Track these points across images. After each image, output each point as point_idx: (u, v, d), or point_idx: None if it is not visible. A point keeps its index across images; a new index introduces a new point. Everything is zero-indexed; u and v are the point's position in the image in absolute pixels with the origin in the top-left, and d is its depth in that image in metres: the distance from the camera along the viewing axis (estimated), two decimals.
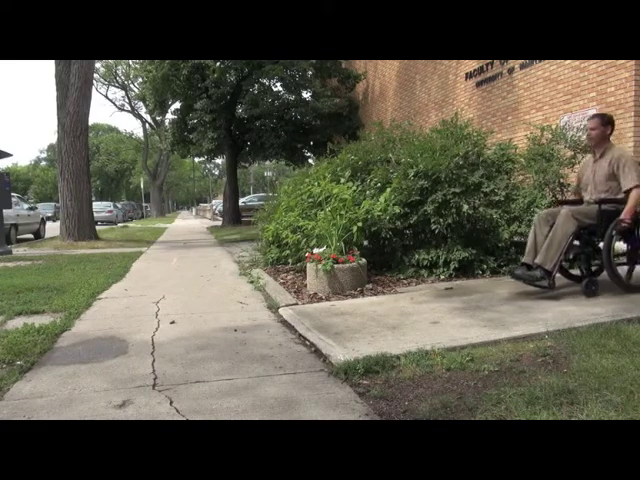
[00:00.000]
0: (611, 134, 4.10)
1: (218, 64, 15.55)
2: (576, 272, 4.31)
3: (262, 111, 15.74)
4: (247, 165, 27.57)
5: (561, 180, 5.56)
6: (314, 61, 15.40)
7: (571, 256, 4.11)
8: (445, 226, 4.96)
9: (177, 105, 18.41)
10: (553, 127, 5.86)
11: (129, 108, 45.19)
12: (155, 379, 2.58)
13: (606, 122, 4.05)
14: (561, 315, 3.33)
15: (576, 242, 3.94)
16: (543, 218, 4.05)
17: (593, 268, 4.11)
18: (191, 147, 18.80)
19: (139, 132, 64.64)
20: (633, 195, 3.82)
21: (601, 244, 3.85)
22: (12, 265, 7.22)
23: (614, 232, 3.80)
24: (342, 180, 5.63)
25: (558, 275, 4.18)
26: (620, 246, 4.02)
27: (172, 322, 3.77)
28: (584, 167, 4.32)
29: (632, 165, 3.92)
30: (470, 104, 11.56)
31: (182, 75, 15.45)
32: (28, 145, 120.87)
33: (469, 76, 11.59)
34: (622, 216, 3.79)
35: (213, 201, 38.66)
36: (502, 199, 5.08)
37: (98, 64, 37.25)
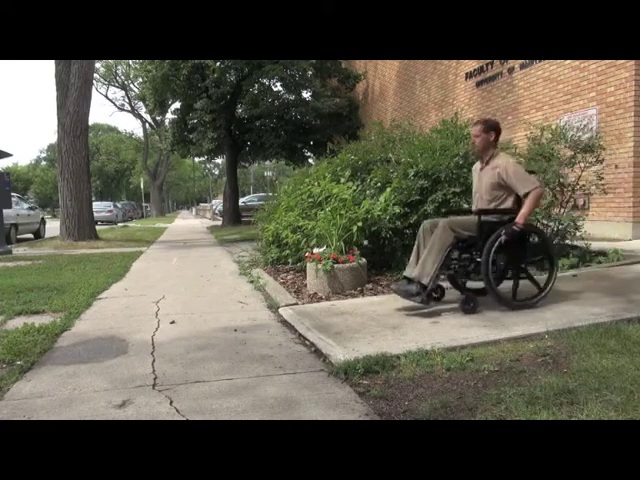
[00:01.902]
0: (496, 140, 3.81)
1: (218, 64, 15.54)
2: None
3: (262, 111, 15.75)
4: (247, 165, 27.61)
5: (561, 180, 5.56)
6: (314, 61, 15.41)
7: (457, 269, 3.80)
8: None
9: (177, 105, 18.45)
10: (553, 127, 5.86)
11: (129, 108, 45.26)
12: (155, 379, 2.58)
13: (489, 128, 3.77)
14: (561, 315, 3.33)
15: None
16: (427, 229, 3.75)
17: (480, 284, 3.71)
18: (191, 147, 18.82)
19: (139, 132, 64.65)
20: (531, 197, 3.56)
21: (480, 258, 3.55)
22: (12, 265, 7.22)
23: (503, 238, 3.49)
24: (342, 180, 5.63)
25: (450, 287, 3.97)
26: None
27: (172, 322, 3.77)
28: (473, 174, 4.04)
29: (520, 170, 3.70)
30: (470, 104, 11.56)
31: (182, 75, 15.47)
32: (28, 145, 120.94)
33: (469, 76, 11.60)
34: (517, 219, 3.53)
35: (213, 201, 38.65)
36: None
37: (98, 64, 37.27)
